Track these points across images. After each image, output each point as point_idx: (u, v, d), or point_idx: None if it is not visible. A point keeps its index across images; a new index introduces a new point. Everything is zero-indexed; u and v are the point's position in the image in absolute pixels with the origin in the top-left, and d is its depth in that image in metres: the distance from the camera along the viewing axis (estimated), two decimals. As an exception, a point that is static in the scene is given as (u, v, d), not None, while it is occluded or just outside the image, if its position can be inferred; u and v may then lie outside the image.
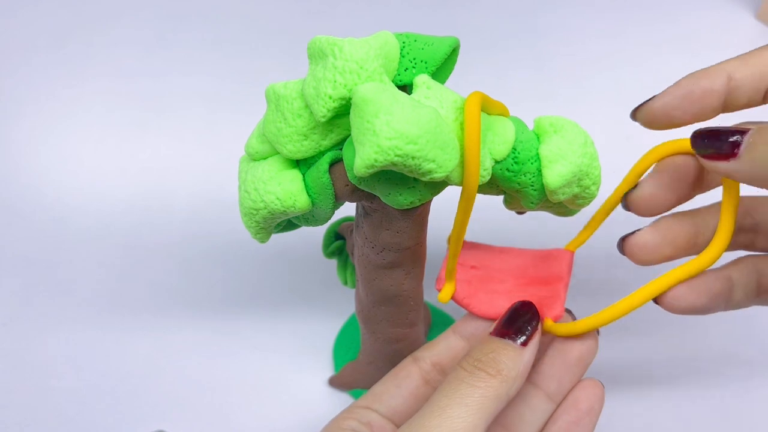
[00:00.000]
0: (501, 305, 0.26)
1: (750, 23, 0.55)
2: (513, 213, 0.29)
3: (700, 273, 0.25)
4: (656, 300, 0.25)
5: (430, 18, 0.44)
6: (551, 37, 0.51)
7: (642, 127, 0.50)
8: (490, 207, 0.30)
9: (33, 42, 0.47)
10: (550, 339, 0.27)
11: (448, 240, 0.30)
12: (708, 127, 0.23)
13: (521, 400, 0.27)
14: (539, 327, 0.24)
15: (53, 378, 0.36)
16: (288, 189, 0.23)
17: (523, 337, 0.24)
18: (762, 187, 0.23)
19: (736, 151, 0.22)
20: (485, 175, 0.23)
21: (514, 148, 0.23)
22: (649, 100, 0.26)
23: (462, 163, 0.22)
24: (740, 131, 0.22)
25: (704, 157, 0.23)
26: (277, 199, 0.23)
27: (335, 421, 0.26)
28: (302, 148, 0.22)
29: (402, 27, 0.24)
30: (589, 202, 0.25)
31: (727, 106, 0.25)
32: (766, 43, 0.25)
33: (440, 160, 0.21)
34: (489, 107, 0.23)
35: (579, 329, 0.25)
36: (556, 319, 0.26)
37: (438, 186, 0.23)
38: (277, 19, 0.46)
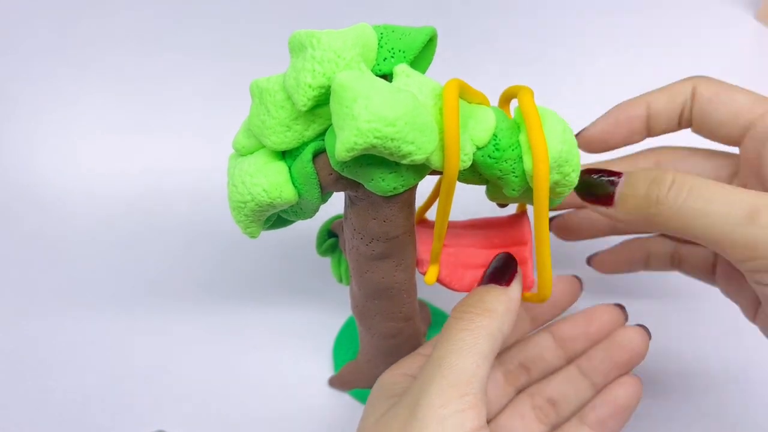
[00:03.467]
0: (477, 278, 0.27)
1: (750, 23, 0.55)
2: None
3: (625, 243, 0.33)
4: (588, 262, 0.32)
5: (430, 17, 0.45)
6: (550, 37, 0.52)
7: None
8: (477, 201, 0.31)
9: (32, 42, 0.48)
10: (606, 330, 0.29)
11: (417, 221, 0.30)
12: (585, 170, 0.26)
13: (570, 381, 0.29)
14: (518, 267, 0.25)
15: (52, 378, 0.36)
16: (274, 181, 0.23)
17: (505, 282, 0.25)
18: (638, 231, 0.29)
19: (611, 200, 0.25)
20: (466, 160, 0.23)
21: (495, 135, 0.24)
22: (586, 127, 0.31)
23: (442, 147, 0.22)
24: (613, 174, 0.25)
25: (586, 200, 0.26)
26: (264, 190, 0.23)
27: (394, 367, 0.27)
28: (286, 139, 0.23)
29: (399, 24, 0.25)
30: (570, 190, 0.25)
31: (651, 131, 0.30)
32: (689, 76, 0.29)
33: (419, 142, 0.21)
34: (469, 96, 0.24)
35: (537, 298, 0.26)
36: (529, 286, 0.27)
37: (420, 170, 0.23)
38: (278, 20, 0.47)
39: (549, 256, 0.25)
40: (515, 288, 0.25)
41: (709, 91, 0.28)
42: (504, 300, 0.24)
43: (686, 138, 0.31)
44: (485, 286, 0.25)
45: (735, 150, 0.29)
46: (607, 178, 0.25)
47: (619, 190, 0.25)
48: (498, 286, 0.24)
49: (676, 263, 0.33)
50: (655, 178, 0.24)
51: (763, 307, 0.24)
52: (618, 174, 0.25)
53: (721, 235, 0.22)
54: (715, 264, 0.31)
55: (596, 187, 0.26)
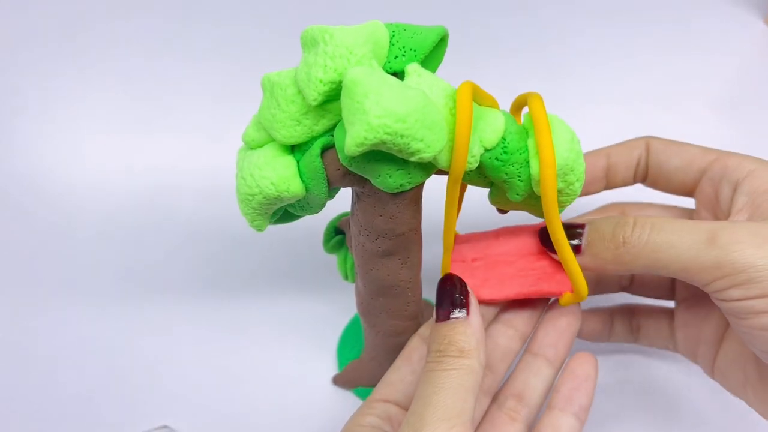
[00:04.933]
0: (515, 285, 0.28)
1: (758, 28, 0.55)
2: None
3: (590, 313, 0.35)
4: None
5: (435, 17, 0.45)
6: (558, 40, 0.52)
7: (648, 131, 0.51)
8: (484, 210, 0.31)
9: (39, 40, 0.48)
10: (539, 312, 0.31)
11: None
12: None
13: (525, 369, 0.30)
14: (469, 290, 0.26)
15: (58, 373, 0.37)
16: (282, 174, 0.23)
17: (463, 309, 0.25)
18: (604, 273, 0.30)
19: (579, 249, 0.27)
20: (472, 162, 0.23)
21: (503, 138, 0.24)
22: None
23: (450, 147, 0.22)
24: (579, 226, 0.27)
25: (554, 253, 0.27)
26: (272, 184, 0.23)
27: (354, 418, 0.27)
28: (295, 133, 0.23)
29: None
30: (572, 200, 0.26)
31: (609, 182, 0.32)
32: (640, 136, 0.32)
33: (428, 140, 0.21)
34: (480, 98, 0.24)
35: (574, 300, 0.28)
36: (566, 290, 0.28)
37: (427, 168, 0.23)
38: (283, 17, 0.48)
39: (572, 256, 0.26)
40: (474, 314, 0.25)
41: (662, 144, 0.31)
42: (471, 333, 0.24)
43: (640, 195, 0.34)
44: (448, 324, 0.25)
45: (687, 204, 0.32)
46: (572, 230, 0.27)
47: (586, 238, 0.27)
48: (462, 320, 0.25)
49: (635, 333, 0.35)
50: (618, 221, 0.26)
51: (732, 327, 0.26)
52: (581, 225, 0.27)
53: (688, 262, 0.24)
54: (673, 329, 0.33)
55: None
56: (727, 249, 0.23)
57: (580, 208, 0.34)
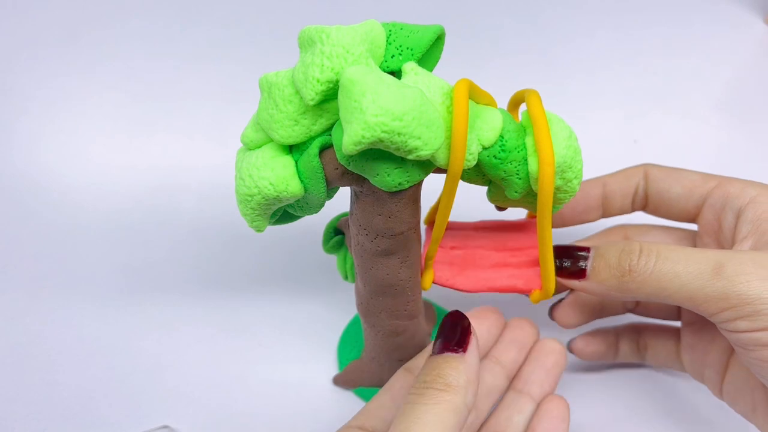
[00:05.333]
0: (489, 278, 0.28)
1: (758, 28, 0.55)
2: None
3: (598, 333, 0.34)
4: (569, 348, 0.34)
5: (437, 17, 0.45)
6: (558, 40, 0.52)
7: (649, 132, 0.51)
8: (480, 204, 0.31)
9: (42, 39, 0.48)
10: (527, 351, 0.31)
11: (425, 221, 0.31)
12: (555, 248, 0.27)
13: (510, 406, 0.30)
14: (473, 329, 0.25)
15: (59, 373, 0.36)
16: (280, 174, 0.24)
17: (462, 346, 0.24)
18: (608, 298, 0.32)
19: (584, 273, 0.27)
20: (471, 159, 0.23)
21: (501, 136, 0.24)
22: None
23: (448, 145, 0.23)
24: (584, 249, 0.27)
25: (559, 275, 0.27)
26: (270, 184, 0.24)
27: None
28: (293, 133, 0.23)
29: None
30: (570, 197, 0.26)
31: (606, 210, 0.32)
32: (637, 164, 0.31)
33: (426, 138, 0.21)
34: (477, 96, 0.24)
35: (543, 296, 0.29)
36: (536, 288, 0.28)
37: (425, 167, 0.23)
38: (285, 21, 0.48)
39: (552, 254, 0.26)
40: (472, 353, 0.24)
41: (661, 172, 0.31)
42: (463, 370, 0.23)
43: (642, 217, 0.33)
44: (442, 356, 0.24)
45: (690, 226, 0.31)
46: (577, 254, 0.27)
47: (591, 264, 0.27)
48: (454, 355, 0.23)
49: (642, 352, 0.34)
50: (624, 248, 0.26)
51: (738, 357, 0.25)
52: (587, 249, 0.27)
53: (693, 292, 0.24)
54: (679, 349, 0.32)
55: (569, 258, 0.27)
56: (733, 280, 0.23)
57: (577, 236, 0.35)
